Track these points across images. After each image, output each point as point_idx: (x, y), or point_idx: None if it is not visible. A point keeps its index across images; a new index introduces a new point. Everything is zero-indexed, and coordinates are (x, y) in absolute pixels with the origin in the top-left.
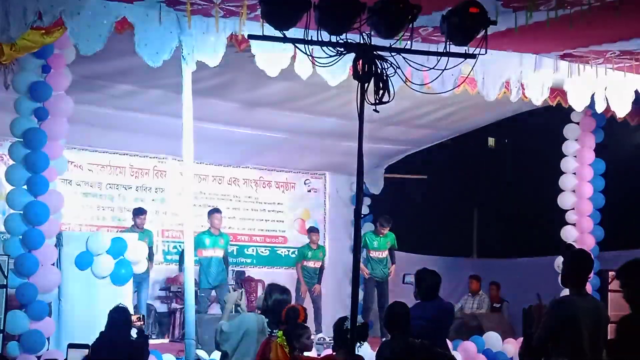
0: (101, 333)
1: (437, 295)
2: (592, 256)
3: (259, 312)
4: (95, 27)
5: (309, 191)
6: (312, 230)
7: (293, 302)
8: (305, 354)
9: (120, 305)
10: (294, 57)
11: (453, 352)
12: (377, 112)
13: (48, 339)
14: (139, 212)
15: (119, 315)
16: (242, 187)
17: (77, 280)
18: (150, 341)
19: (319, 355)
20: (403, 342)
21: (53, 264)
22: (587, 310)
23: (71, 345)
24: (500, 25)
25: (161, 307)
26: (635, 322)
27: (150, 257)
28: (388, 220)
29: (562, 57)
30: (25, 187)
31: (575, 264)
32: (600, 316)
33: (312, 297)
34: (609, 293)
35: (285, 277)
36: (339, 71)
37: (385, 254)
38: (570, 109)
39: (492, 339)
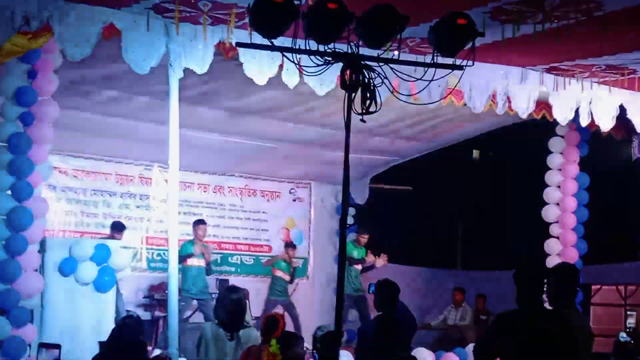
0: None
1: (394, 306)
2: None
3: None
4: (83, 32)
5: (294, 200)
6: (289, 246)
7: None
8: None
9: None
10: (281, 66)
11: None
12: (364, 122)
13: (30, 345)
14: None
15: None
16: (227, 196)
17: (60, 286)
18: None
19: None
20: (391, 353)
21: (36, 270)
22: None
23: (42, 345)
24: (487, 38)
25: (144, 315)
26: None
27: None
28: (365, 230)
29: (548, 70)
30: (9, 192)
31: (565, 279)
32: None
33: (285, 308)
34: (591, 306)
35: (269, 285)
36: (326, 81)
37: (358, 266)
38: (555, 122)
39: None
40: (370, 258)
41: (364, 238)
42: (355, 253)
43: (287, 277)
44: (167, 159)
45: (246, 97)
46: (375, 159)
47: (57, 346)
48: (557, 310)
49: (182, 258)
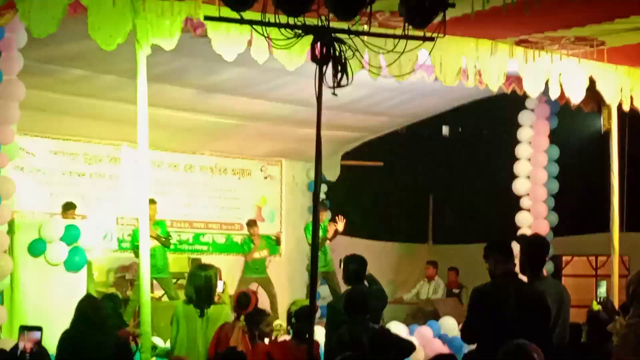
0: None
1: (361, 280)
2: (548, 240)
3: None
4: (48, 9)
5: (265, 178)
6: (250, 224)
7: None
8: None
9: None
10: (250, 42)
11: (409, 337)
12: (336, 95)
13: (0, 327)
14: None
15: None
16: (197, 174)
17: (30, 267)
18: None
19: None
20: (362, 326)
21: (5, 252)
22: (551, 293)
23: (24, 328)
24: (457, 11)
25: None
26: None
27: None
28: (324, 205)
29: (518, 43)
30: None
31: (532, 249)
32: (563, 297)
33: (263, 286)
34: (562, 277)
35: (241, 263)
36: (296, 56)
37: (326, 242)
38: (525, 96)
39: (447, 323)
40: (330, 228)
41: (323, 214)
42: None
43: (264, 253)
44: (135, 138)
45: (215, 75)
46: (346, 136)
47: (39, 329)
48: (530, 282)
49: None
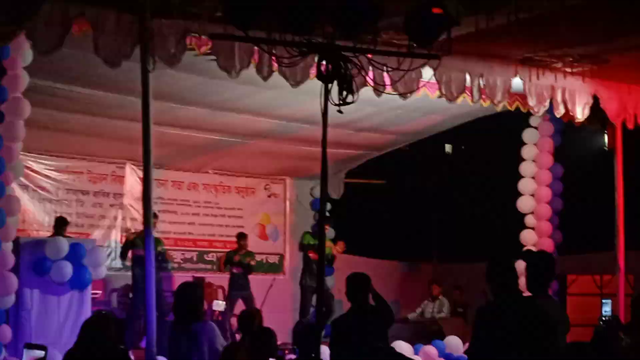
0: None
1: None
2: (554, 257)
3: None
4: (53, 27)
5: (269, 196)
6: (241, 237)
7: None
8: None
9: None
10: (255, 60)
11: (414, 357)
12: (341, 112)
13: (5, 346)
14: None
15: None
16: (201, 192)
17: (35, 286)
18: None
19: None
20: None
21: (10, 270)
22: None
23: (28, 346)
24: (462, 29)
25: (121, 314)
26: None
27: None
28: (329, 221)
29: (522, 61)
30: None
31: (538, 266)
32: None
33: (244, 301)
34: (567, 296)
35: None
36: (300, 74)
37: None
38: (529, 114)
39: (452, 343)
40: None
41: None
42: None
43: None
44: (139, 156)
45: (219, 92)
46: (350, 153)
47: (44, 347)
48: (533, 299)
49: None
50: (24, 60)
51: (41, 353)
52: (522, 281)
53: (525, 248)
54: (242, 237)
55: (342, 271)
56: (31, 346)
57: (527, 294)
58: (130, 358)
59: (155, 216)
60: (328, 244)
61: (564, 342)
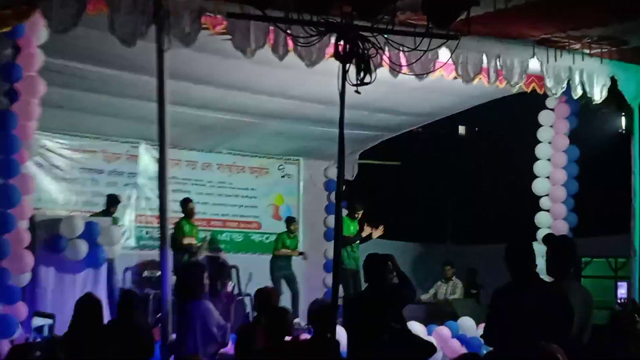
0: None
1: (380, 278)
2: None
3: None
4: (68, 6)
5: (283, 177)
6: (292, 220)
7: None
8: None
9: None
10: (270, 39)
11: (427, 337)
12: (359, 92)
13: (21, 323)
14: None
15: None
16: (215, 172)
17: (51, 264)
18: None
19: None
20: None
21: (26, 248)
22: (576, 295)
23: (37, 314)
24: (479, 10)
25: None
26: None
27: None
28: (361, 204)
29: (539, 42)
30: None
31: (559, 250)
32: (587, 300)
33: (288, 282)
34: (581, 279)
35: (259, 262)
36: (316, 54)
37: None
38: (545, 95)
39: (466, 324)
40: (366, 231)
41: (359, 213)
42: (352, 228)
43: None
44: (153, 136)
45: (234, 72)
46: (364, 134)
47: (52, 315)
48: (553, 283)
49: None
50: (39, 39)
51: (49, 321)
52: (540, 264)
53: (545, 232)
54: (290, 221)
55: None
56: (39, 314)
57: (547, 278)
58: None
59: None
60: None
61: (590, 324)
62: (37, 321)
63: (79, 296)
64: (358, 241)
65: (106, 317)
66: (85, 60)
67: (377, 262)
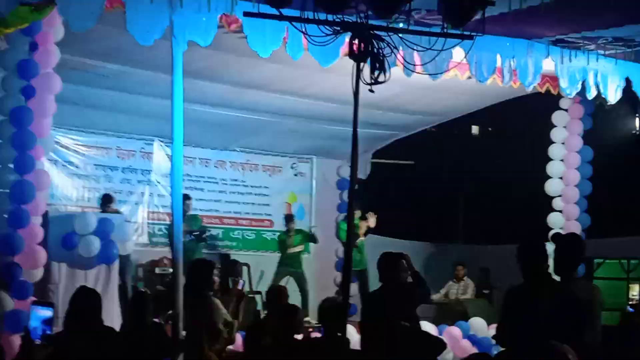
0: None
1: (392, 277)
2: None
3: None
4: (86, 4)
5: (296, 175)
6: (288, 219)
7: None
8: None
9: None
10: (285, 39)
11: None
12: (373, 92)
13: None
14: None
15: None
16: (228, 170)
17: (63, 260)
18: None
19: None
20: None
21: (39, 244)
22: (582, 295)
23: (36, 303)
24: (494, 9)
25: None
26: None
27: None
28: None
29: (554, 42)
30: (11, 165)
31: (568, 249)
32: (594, 299)
33: (297, 281)
34: (593, 280)
35: (271, 260)
36: (331, 53)
37: (360, 239)
38: (558, 96)
39: (477, 324)
40: (362, 225)
41: (357, 214)
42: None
43: (299, 248)
44: (167, 133)
45: (249, 71)
46: (378, 134)
47: (51, 304)
48: (564, 282)
49: None
50: (56, 36)
51: (48, 312)
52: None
53: (553, 231)
54: (288, 219)
55: (367, 252)
56: (38, 303)
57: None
58: (166, 332)
59: (188, 198)
60: (362, 223)
61: (599, 323)
62: (38, 310)
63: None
64: (362, 238)
65: (116, 314)
66: (101, 57)
67: (392, 261)
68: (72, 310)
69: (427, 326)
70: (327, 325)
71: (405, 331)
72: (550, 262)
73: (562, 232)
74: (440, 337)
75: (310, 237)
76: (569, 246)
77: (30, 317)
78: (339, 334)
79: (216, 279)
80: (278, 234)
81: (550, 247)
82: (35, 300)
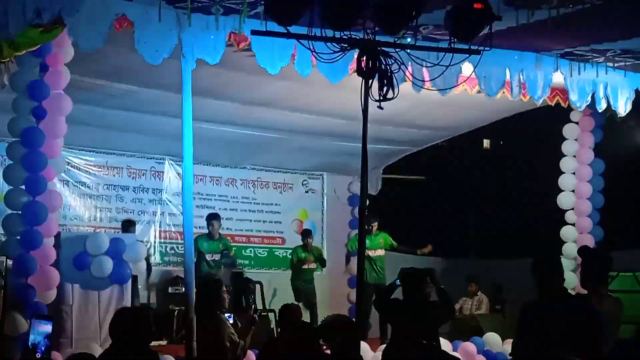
0: None
1: (415, 294)
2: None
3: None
4: (95, 24)
5: (307, 192)
6: (307, 234)
7: None
8: None
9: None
10: (294, 56)
11: (453, 353)
12: (381, 108)
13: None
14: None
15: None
16: (239, 188)
17: (76, 281)
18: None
19: None
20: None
21: (52, 265)
22: (606, 310)
23: (36, 316)
24: (502, 24)
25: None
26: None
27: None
28: (375, 217)
29: (563, 55)
30: (23, 187)
31: (594, 264)
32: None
33: (305, 296)
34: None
35: (283, 278)
36: (339, 69)
37: (378, 252)
38: (569, 109)
39: (491, 339)
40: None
41: (374, 225)
42: (368, 243)
43: (314, 265)
44: (178, 152)
45: (258, 88)
46: (388, 149)
47: (50, 318)
48: (583, 296)
49: None
50: (66, 57)
51: (48, 327)
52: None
53: (571, 246)
54: (306, 234)
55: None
56: (39, 317)
57: (582, 291)
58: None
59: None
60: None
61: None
62: (39, 325)
63: (104, 313)
64: (382, 253)
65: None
66: (110, 77)
67: (416, 278)
68: (121, 330)
69: (441, 342)
70: (333, 343)
71: (425, 349)
72: (568, 275)
73: (575, 245)
74: (455, 355)
75: (320, 260)
76: (595, 261)
77: (32, 332)
78: (353, 352)
79: (226, 296)
80: (294, 247)
81: (567, 263)
82: (36, 314)
